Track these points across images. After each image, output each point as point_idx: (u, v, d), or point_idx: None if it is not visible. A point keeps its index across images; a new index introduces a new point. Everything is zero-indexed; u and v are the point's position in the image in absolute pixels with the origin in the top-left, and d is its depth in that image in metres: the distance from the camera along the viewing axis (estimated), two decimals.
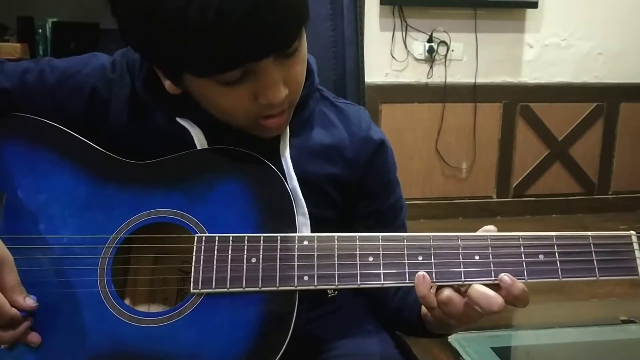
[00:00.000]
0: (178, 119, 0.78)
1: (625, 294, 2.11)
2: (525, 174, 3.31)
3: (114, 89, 0.80)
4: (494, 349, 1.78)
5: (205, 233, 0.72)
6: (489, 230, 0.71)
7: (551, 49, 3.20)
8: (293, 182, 0.77)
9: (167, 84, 0.74)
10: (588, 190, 3.40)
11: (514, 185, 3.31)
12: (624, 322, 2.01)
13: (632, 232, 0.69)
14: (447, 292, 0.67)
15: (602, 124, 3.33)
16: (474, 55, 3.10)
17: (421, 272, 0.68)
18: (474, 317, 0.69)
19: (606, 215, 3.34)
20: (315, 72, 0.83)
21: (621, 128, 3.35)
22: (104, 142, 0.78)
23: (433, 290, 0.69)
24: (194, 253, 0.70)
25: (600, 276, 0.67)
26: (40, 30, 2.59)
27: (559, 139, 3.30)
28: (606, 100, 3.30)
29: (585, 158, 3.35)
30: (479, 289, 0.66)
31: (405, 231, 0.88)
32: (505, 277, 0.67)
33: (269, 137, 0.77)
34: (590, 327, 1.99)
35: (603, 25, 3.21)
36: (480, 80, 3.13)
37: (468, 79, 3.13)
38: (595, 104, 3.30)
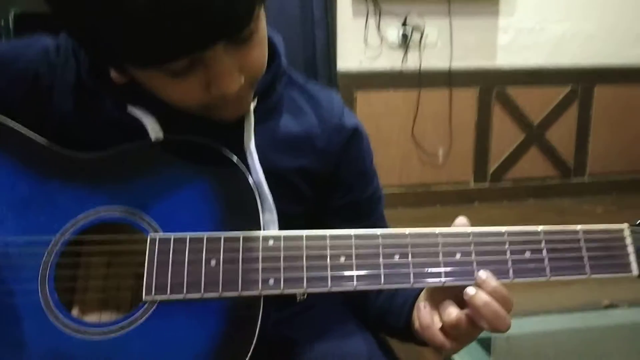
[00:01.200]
0: (129, 108, 0.70)
1: (608, 279, 2.09)
2: (502, 159, 3.29)
3: (57, 74, 0.73)
4: (476, 339, 1.74)
5: (160, 233, 0.65)
6: (462, 223, 0.65)
7: (525, 33, 3.17)
8: (258, 175, 0.71)
9: (112, 73, 0.67)
10: (564, 173, 3.40)
11: (491, 171, 3.29)
12: (607, 307, 1.99)
13: (625, 225, 0.64)
14: (455, 313, 0.62)
15: (577, 107, 3.32)
16: (448, 40, 3.05)
17: (421, 303, 0.63)
18: (475, 336, 0.64)
19: (583, 199, 3.35)
20: (282, 53, 0.76)
21: (596, 111, 3.35)
22: (49, 134, 0.71)
23: (437, 320, 0.63)
24: (147, 256, 0.64)
25: (591, 274, 0.62)
26: (2, 22, 2.48)
27: (535, 123, 3.28)
28: (580, 83, 3.29)
29: (561, 142, 3.34)
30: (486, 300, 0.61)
31: (385, 223, 0.83)
32: (481, 272, 0.62)
33: (229, 120, 0.70)
34: (573, 314, 1.97)
35: (576, 7, 3.19)
36: (455, 65, 3.09)
37: (443, 65, 3.08)
38: (569, 87, 3.29)
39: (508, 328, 0.61)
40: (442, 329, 0.63)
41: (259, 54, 0.66)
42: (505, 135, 3.26)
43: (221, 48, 0.60)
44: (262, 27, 0.65)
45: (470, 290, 0.61)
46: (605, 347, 1.89)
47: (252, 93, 0.70)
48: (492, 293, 0.61)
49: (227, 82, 0.62)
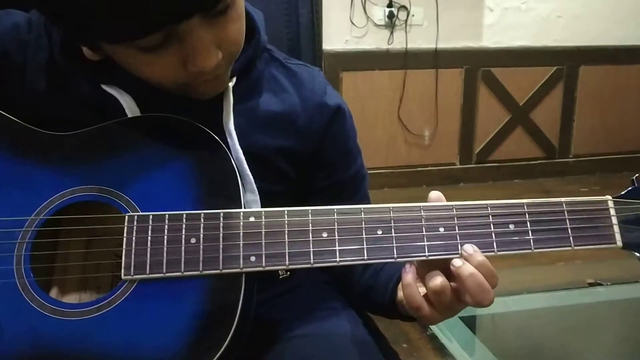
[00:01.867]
0: (104, 87, 0.68)
1: (591, 257, 2.12)
2: (488, 140, 3.31)
3: (29, 52, 0.70)
4: (461, 318, 1.76)
5: (138, 212, 0.63)
6: (437, 197, 0.64)
7: (511, 12, 3.17)
8: (238, 155, 0.69)
9: (85, 49, 0.65)
10: (549, 154, 3.42)
11: (476, 152, 3.31)
12: (591, 284, 2.01)
13: (608, 197, 0.63)
14: (440, 280, 0.61)
15: (562, 88, 3.34)
16: (434, 20, 3.04)
17: (407, 265, 0.62)
18: (457, 310, 0.63)
19: (567, 179, 3.38)
20: (262, 29, 0.74)
21: (581, 91, 3.37)
22: (21, 113, 0.69)
23: (421, 289, 0.62)
24: (125, 235, 0.62)
25: (575, 246, 0.62)
26: None
27: (520, 104, 3.30)
28: (566, 63, 3.31)
29: (546, 122, 3.36)
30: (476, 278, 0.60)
31: (369, 201, 0.82)
32: (467, 246, 0.61)
33: (206, 98, 0.69)
34: (557, 292, 1.99)
35: None
36: (442, 45, 3.08)
37: (429, 45, 3.07)
38: (555, 68, 3.30)
39: (491, 303, 0.61)
40: (425, 296, 0.63)
41: (237, 28, 0.64)
42: (490, 116, 3.27)
43: (196, 22, 0.58)
44: (239, 1, 0.64)
45: (457, 262, 0.61)
46: (589, 324, 1.91)
47: (229, 70, 0.69)
48: (479, 266, 0.61)
49: (203, 58, 0.60)
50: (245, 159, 0.70)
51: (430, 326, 1.72)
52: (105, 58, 0.66)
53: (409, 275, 0.62)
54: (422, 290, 0.63)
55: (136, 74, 0.65)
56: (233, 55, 0.66)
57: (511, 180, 3.35)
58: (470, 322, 1.78)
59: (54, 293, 0.67)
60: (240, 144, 0.70)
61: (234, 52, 0.66)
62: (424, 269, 0.63)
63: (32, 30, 0.71)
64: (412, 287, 0.62)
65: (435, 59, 3.09)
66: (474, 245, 0.61)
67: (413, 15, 3.01)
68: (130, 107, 0.68)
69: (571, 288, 2.01)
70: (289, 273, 0.81)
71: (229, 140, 0.70)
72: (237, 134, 0.70)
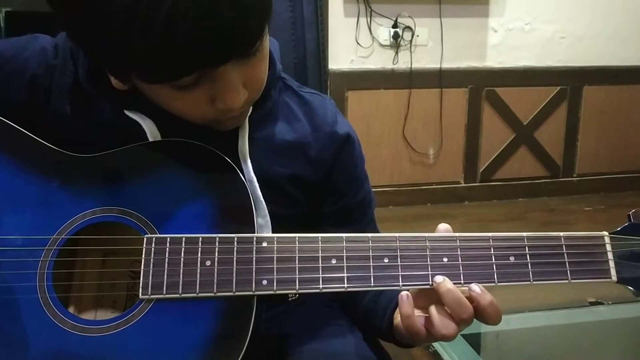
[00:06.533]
0: (127, 112, 0.71)
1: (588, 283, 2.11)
2: (492, 159, 3.32)
3: (55, 76, 0.73)
4: (463, 335, 1.77)
5: (156, 233, 0.66)
6: (445, 229, 0.67)
7: (515, 33, 3.20)
8: (252, 181, 0.72)
9: (113, 80, 0.68)
10: (553, 173, 3.43)
11: (480, 170, 3.32)
12: (592, 304, 2.02)
13: (605, 233, 0.66)
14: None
15: (566, 107, 3.36)
16: (439, 41, 3.08)
17: (404, 293, 0.64)
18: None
19: (571, 198, 3.38)
20: (277, 59, 0.77)
21: (585, 111, 3.38)
22: (45, 134, 0.71)
23: (418, 312, 0.65)
24: (143, 256, 0.65)
25: (572, 279, 0.65)
26: None
27: (525, 123, 3.31)
28: (570, 83, 3.33)
29: (550, 141, 3.37)
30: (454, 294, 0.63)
31: (375, 227, 0.85)
32: (474, 286, 0.64)
33: (225, 130, 0.72)
34: (559, 310, 2.00)
35: (565, 8, 3.22)
36: (446, 65, 3.12)
37: (434, 65, 3.11)
38: (559, 87, 3.32)
39: (470, 319, 0.64)
40: (426, 320, 0.65)
41: (262, 68, 0.68)
42: (495, 135, 3.29)
43: (230, 65, 0.61)
44: (267, 42, 0.67)
45: (438, 278, 0.64)
46: (591, 343, 1.92)
47: (250, 106, 0.72)
48: (483, 310, 0.64)
49: (232, 97, 0.64)
50: (259, 185, 0.72)
51: (434, 344, 1.73)
52: (132, 87, 0.68)
53: (407, 309, 0.65)
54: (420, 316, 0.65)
55: (164, 107, 0.67)
56: (257, 92, 0.69)
57: (515, 199, 3.36)
58: (473, 340, 1.80)
59: (72, 309, 0.70)
60: (254, 171, 0.73)
61: (258, 89, 0.69)
62: (424, 296, 0.66)
63: (59, 54, 0.73)
64: (412, 318, 0.64)
65: (440, 78, 3.12)
66: (479, 285, 0.64)
67: (418, 36, 3.05)
68: (151, 132, 0.71)
69: (573, 307, 2.02)
70: (298, 295, 0.84)
71: (243, 166, 0.72)
72: (251, 160, 0.73)
